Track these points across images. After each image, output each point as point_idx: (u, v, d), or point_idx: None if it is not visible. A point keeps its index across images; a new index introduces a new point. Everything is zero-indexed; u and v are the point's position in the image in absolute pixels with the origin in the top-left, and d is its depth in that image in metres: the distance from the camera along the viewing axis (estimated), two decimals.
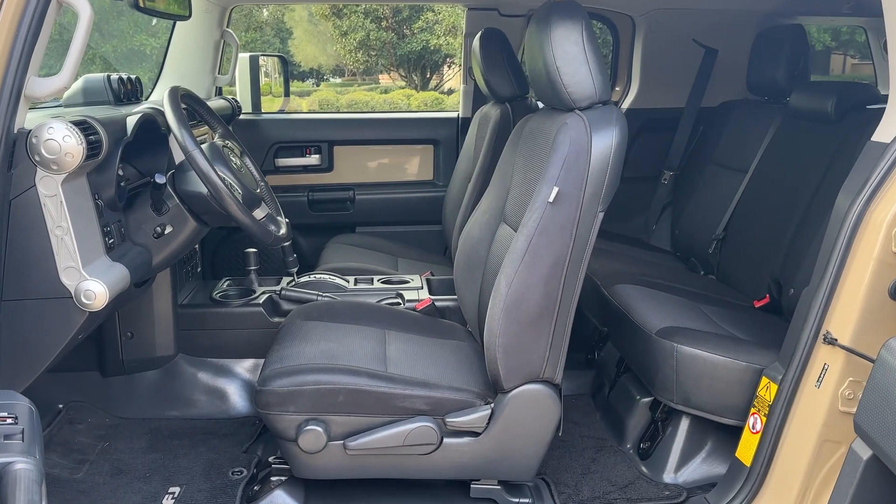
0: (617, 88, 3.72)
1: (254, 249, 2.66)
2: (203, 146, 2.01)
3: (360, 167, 3.61)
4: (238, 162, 2.05)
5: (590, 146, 1.77)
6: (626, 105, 3.60)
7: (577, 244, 1.79)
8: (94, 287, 1.63)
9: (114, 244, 1.80)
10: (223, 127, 2.20)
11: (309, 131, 3.57)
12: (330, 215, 3.57)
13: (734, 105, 3.22)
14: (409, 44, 19.27)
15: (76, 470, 2.14)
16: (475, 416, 1.90)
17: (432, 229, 3.56)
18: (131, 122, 1.92)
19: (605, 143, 1.77)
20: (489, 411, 1.91)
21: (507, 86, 2.85)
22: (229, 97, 3.35)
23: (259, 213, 2.08)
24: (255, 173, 2.24)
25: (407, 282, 2.76)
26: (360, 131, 3.62)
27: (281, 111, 3.77)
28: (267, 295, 2.58)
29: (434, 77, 21.21)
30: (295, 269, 2.68)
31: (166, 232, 1.95)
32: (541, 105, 2.82)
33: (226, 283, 2.71)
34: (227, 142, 2.17)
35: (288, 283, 2.66)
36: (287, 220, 2.60)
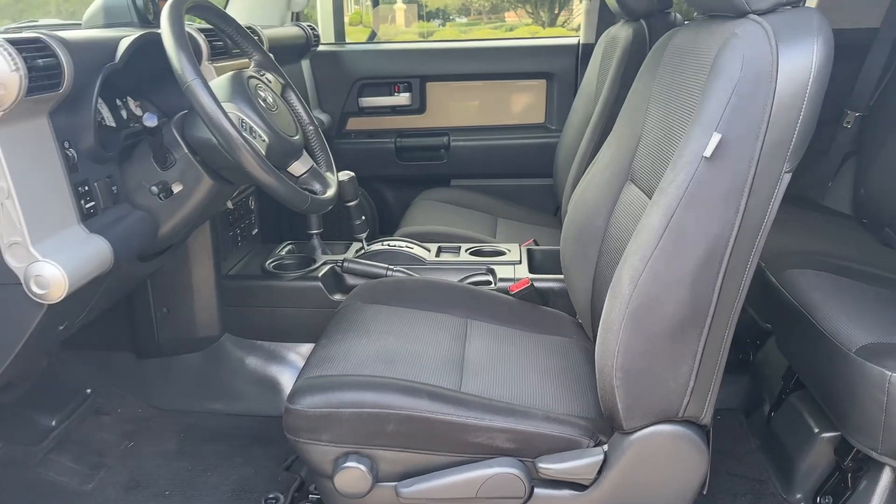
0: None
1: None
2: (221, 77, 1.51)
3: (456, 108, 3.02)
4: (271, 100, 1.54)
5: (775, 69, 1.12)
6: None
7: (748, 223, 1.16)
8: (47, 270, 1.18)
9: (94, 209, 1.35)
10: (261, 53, 1.69)
11: (399, 64, 3.02)
12: (421, 165, 3.03)
13: None
14: None
15: (88, 479, 1.77)
16: (581, 464, 1.33)
17: (542, 183, 2.95)
18: (125, 44, 1.44)
19: (799, 63, 1.12)
20: (601, 457, 1.33)
21: None
22: (305, 24, 2.85)
23: (298, 168, 1.56)
24: (303, 115, 1.72)
25: (503, 253, 2.18)
26: (457, 64, 3.01)
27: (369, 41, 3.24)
28: (329, 266, 2.09)
29: (563, 13, 19.96)
30: (364, 235, 2.17)
31: (175, 191, 1.47)
32: (693, 18, 2.11)
33: (286, 249, 2.25)
34: (263, 73, 1.66)
35: (356, 253, 2.16)
36: (348, 175, 2.09)
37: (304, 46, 2.77)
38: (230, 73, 1.51)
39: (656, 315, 1.22)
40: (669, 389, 1.26)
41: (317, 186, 1.59)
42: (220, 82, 1.48)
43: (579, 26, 3.04)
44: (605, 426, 1.37)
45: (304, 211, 1.49)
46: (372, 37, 3.20)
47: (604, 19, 2.76)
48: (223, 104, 1.42)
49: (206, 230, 1.96)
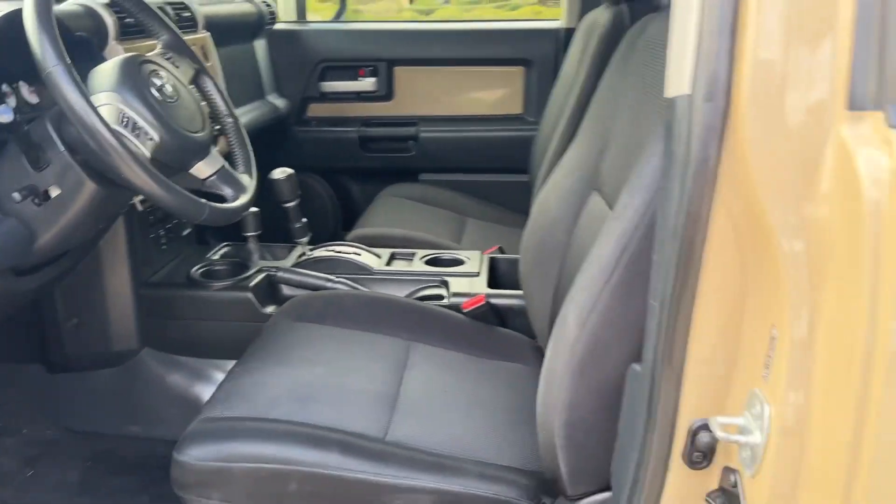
0: None
1: (253, 208, 1.93)
2: (107, 63, 1.28)
3: (426, 95, 2.77)
4: (171, 89, 1.30)
5: None
6: None
7: None
8: None
9: None
10: (169, 33, 1.44)
11: (364, 46, 2.77)
12: (387, 157, 2.80)
13: None
14: None
15: None
16: None
17: (518, 180, 2.71)
18: None
19: None
20: None
21: None
22: (260, 0, 2.60)
23: (203, 169, 1.33)
24: (220, 106, 1.48)
25: (462, 262, 1.96)
26: (427, 47, 2.76)
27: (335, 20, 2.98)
28: (264, 274, 1.86)
29: None
30: (305, 239, 1.94)
31: (53, 196, 1.25)
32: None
33: (220, 253, 2.02)
34: (170, 55, 1.42)
35: (296, 259, 1.93)
36: (285, 173, 1.86)
37: (257, 24, 2.52)
38: (119, 57, 1.27)
39: (607, 363, 1.00)
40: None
41: (226, 191, 1.36)
42: (104, 69, 1.24)
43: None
44: (552, 485, 1.15)
45: (202, 222, 1.26)
46: (339, 14, 2.94)
47: (587, 1, 2.52)
48: (104, 94, 1.20)
49: (121, 232, 1.73)
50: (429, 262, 1.95)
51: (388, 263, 1.94)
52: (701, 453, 0.85)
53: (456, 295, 1.78)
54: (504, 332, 1.68)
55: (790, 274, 0.72)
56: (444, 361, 1.51)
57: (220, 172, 1.35)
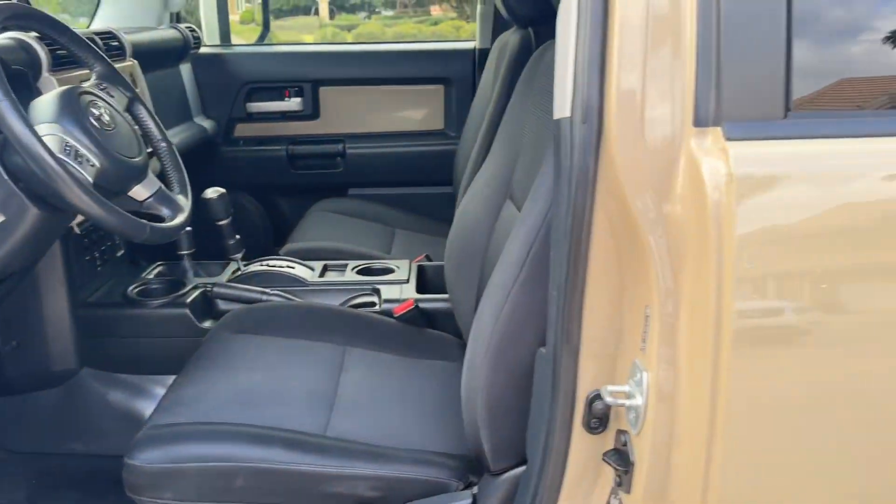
0: None
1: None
2: (47, 95, 1.35)
3: (352, 114, 2.89)
4: (108, 118, 1.38)
5: None
6: None
7: None
8: None
9: None
10: (102, 64, 1.52)
11: (289, 68, 2.86)
12: (316, 174, 2.89)
13: None
14: None
15: None
16: None
17: (443, 191, 2.85)
18: None
19: None
20: (469, 500, 1.25)
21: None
22: (184, 25, 2.67)
23: (141, 192, 1.41)
24: (153, 131, 1.57)
25: (392, 271, 2.08)
26: (351, 68, 2.88)
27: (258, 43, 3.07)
28: (200, 290, 1.94)
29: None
30: (239, 255, 2.02)
31: None
32: None
33: (155, 272, 2.08)
34: (104, 85, 1.50)
35: (231, 275, 2.01)
36: (217, 192, 1.94)
37: (183, 49, 2.59)
38: (58, 89, 1.35)
39: (520, 349, 1.14)
40: None
41: (164, 211, 1.44)
42: (44, 100, 1.32)
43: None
44: (477, 465, 1.28)
45: (143, 241, 1.34)
46: (262, 37, 3.03)
47: (502, 24, 2.69)
48: (46, 125, 1.27)
49: (57, 255, 1.78)
50: (360, 272, 2.06)
51: (322, 275, 2.04)
52: (598, 419, 0.99)
53: (387, 301, 1.90)
54: (433, 333, 1.80)
55: (656, 262, 0.87)
56: (378, 363, 1.62)
57: (158, 194, 1.44)
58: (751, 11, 0.82)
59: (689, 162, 0.84)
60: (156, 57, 2.35)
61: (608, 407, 0.98)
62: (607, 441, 1.01)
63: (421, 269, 2.10)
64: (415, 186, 2.92)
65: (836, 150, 0.81)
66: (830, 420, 0.89)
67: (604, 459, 0.99)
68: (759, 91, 0.82)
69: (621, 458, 0.96)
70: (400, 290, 1.96)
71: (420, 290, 1.98)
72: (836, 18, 0.84)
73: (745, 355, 0.83)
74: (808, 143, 0.81)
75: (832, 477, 0.93)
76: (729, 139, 0.82)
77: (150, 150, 1.58)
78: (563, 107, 0.92)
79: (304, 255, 2.15)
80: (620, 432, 0.98)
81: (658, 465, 0.90)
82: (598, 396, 0.97)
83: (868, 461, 0.92)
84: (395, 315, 1.80)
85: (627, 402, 0.92)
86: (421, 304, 1.83)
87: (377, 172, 2.90)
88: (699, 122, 0.84)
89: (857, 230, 0.82)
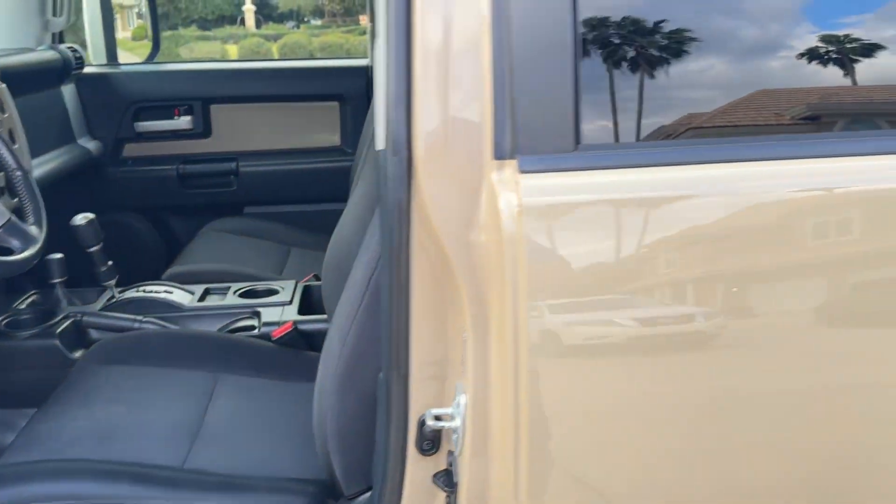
0: None
1: (57, 254, 1.95)
2: None
3: (246, 131, 2.86)
4: None
5: None
6: None
7: None
8: None
9: None
10: None
11: (178, 86, 2.82)
12: (209, 193, 2.85)
13: None
14: None
15: None
16: None
17: (340, 208, 2.84)
18: None
19: None
20: None
21: None
22: (66, 46, 2.59)
23: None
24: (7, 160, 1.52)
25: (276, 291, 2.07)
26: (243, 86, 2.86)
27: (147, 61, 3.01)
28: (71, 320, 1.88)
29: None
30: (112, 282, 1.98)
31: None
32: None
33: (28, 301, 2.01)
34: None
35: (107, 302, 1.97)
36: (86, 219, 1.90)
37: (63, 70, 2.52)
38: None
39: (366, 373, 1.15)
40: None
41: (14, 243, 1.40)
42: None
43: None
44: (334, 489, 1.29)
45: None
46: (152, 56, 2.97)
47: None
48: None
49: None
50: (243, 295, 2.04)
51: (202, 299, 2.01)
52: (429, 441, 1.02)
53: (266, 324, 1.88)
54: (311, 354, 1.79)
55: (466, 289, 0.90)
56: (250, 389, 1.61)
57: (7, 226, 1.40)
58: (540, 46, 0.86)
59: (489, 194, 0.87)
60: (29, 79, 2.28)
61: (438, 429, 1.00)
62: (440, 462, 1.03)
63: (308, 289, 2.09)
64: (312, 203, 2.90)
65: (622, 180, 0.86)
66: (638, 424, 0.93)
67: (433, 481, 1.01)
68: (551, 125, 0.86)
69: (448, 479, 0.99)
70: (281, 311, 1.95)
71: (305, 310, 1.97)
72: (623, 55, 0.89)
73: (542, 368, 0.87)
74: (595, 175, 0.85)
75: (651, 481, 0.98)
76: (522, 171, 0.85)
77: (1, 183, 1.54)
78: (380, 138, 0.95)
79: (188, 279, 2.12)
80: (450, 453, 1.01)
81: (476, 483, 0.93)
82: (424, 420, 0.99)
83: (682, 461, 0.97)
84: (274, 338, 1.79)
85: (447, 425, 0.94)
86: (301, 326, 1.82)
87: (273, 190, 2.88)
88: (498, 155, 0.87)
89: (637, 253, 0.87)
